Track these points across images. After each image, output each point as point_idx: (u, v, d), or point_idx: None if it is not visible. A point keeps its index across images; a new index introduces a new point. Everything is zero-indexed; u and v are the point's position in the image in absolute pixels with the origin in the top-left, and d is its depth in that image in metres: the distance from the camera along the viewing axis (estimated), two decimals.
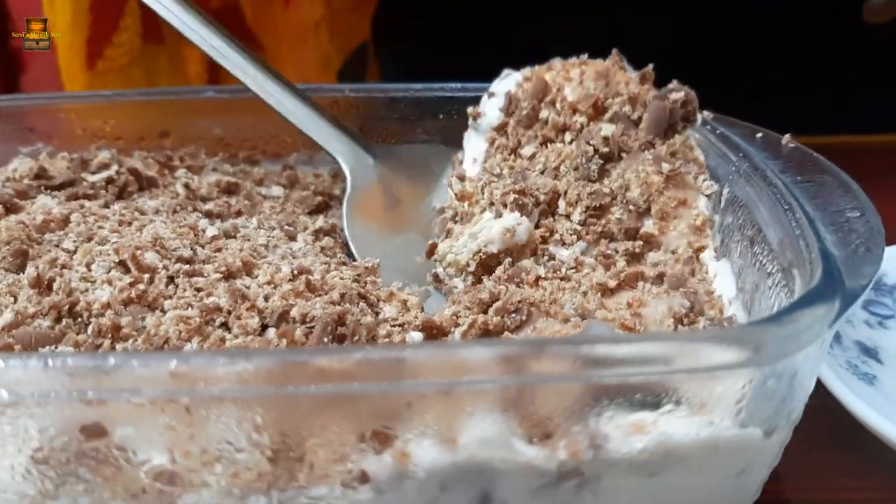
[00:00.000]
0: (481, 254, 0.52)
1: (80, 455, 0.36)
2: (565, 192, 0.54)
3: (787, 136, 0.55)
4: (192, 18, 0.61)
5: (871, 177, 0.52)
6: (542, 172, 0.56)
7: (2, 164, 0.64)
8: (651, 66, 0.58)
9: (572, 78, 0.58)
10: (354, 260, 0.58)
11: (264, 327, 0.45)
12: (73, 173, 0.61)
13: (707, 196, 0.54)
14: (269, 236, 0.56)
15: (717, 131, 0.57)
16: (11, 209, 0.56)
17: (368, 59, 1.07)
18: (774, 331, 0.36)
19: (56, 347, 0.43)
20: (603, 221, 0.53)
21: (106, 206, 0.59)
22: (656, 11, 0.99)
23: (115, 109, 0.69)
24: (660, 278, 0.49)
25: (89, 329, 0.44)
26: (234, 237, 0.55)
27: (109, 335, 0.44)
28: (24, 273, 0.48)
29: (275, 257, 0.53)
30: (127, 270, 0.48)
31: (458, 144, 0.64)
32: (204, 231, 0.55)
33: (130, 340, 0.43)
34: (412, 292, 0.51)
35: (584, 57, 0.60)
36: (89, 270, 0.48)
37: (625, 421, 0.38)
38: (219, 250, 0.52)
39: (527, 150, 0.58)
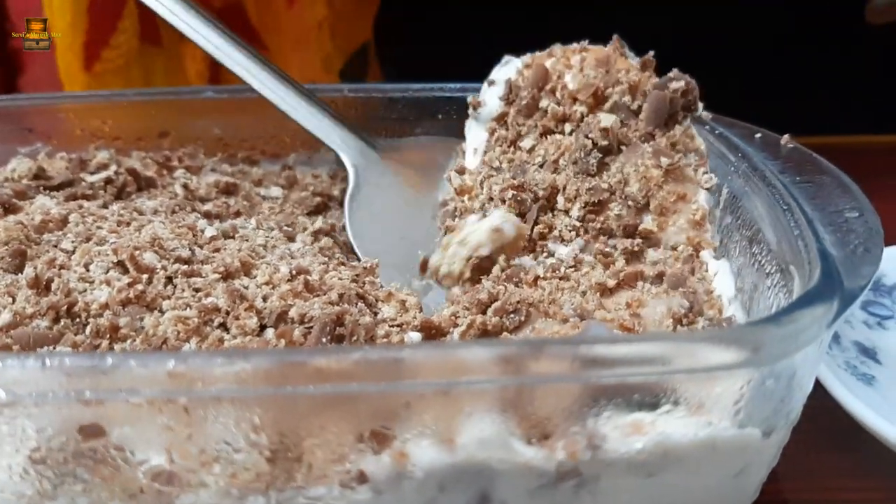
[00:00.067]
0: (474, 259, 0.52)
1: (78, 455, 0.36)
2: (564, 188, 0.54)
3: (786, 136, 0.55)
4: (194, 18, 0.61)
5: (870, 177, 0.52)
6: (541, 166, 0.56)
7: (0, 164, 0.64)
8: (652, 52, 0.58)
9: (573, 65, 0.58)
10: (356, 257, 0.58)
11: (263, 328, 0.45)
12: (71, 173, 0.61)
13: (707, 189, 0.54)
14: (267, 237, 0.56)
15: (716, 131, 0.57)
16: (10, 209, 0.56)
17: (370, 60, 1.07)
18: (773, 331, 0.36)
19: (54, 348, 0.43)
20: (602, 218, 0.53)
21: (104, 206, 0.59)
22: (656, 11, 0.99)
23: (113, 109, 0.69)
24: (659, 278, 0.49)
25: (87, 329, 0.44)
26: (233, 238, 0.55)
27: (108, 335, 0.43)
28: (22, 273, 0.48)
29: (273, 258, 0.53)
30: (125, 271, 0.48)
31: (462, 138, 0.63)
32: (202, 231, 0.54)
33: (129, 341, 0.43)
34: (411, 291, 0.51)
35: (585, 43, 0.60)
36: (87, 271, 0.48)
37: (623, 421, 0.38)
38: (217, 251, 0.52)
39: (526, 143, 0.58)
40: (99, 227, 0.53)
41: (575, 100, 0.57)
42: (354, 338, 0.44)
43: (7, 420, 0.36)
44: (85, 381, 0.34)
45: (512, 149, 0.59)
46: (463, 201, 0.57)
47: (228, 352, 0.41)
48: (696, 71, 0.57)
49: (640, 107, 0.56)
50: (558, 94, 0.58)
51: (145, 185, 0.63)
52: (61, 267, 0.48)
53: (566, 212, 0.54)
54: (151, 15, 0.61)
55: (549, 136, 0.57)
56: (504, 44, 0.62)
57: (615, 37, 0.59)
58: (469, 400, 0.37)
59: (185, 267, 0.48)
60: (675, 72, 0.56)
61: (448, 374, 0.36)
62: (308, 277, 0.49)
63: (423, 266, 0.55)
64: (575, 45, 0.60)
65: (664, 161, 0.53)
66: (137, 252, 0.48)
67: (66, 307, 0.45)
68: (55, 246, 0.51)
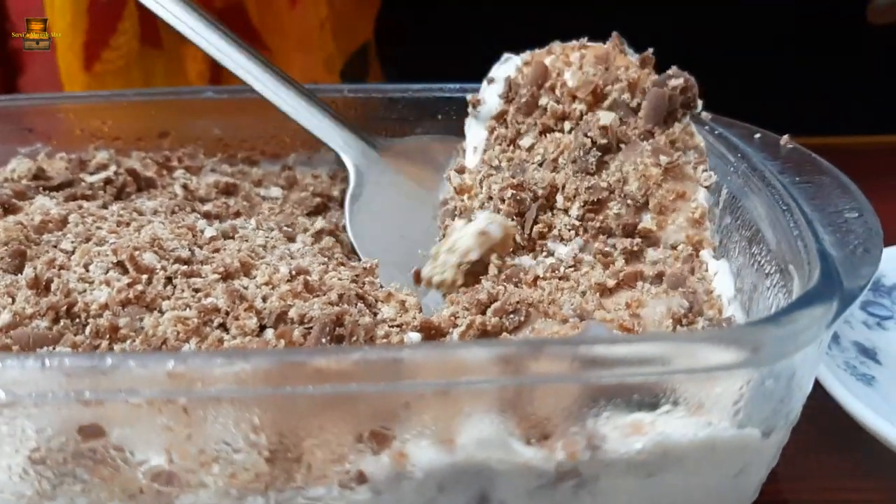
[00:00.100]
0: (465, 265, 0.51)
1: (78, 455, 0.36)
2: (563, 187, 0.54)
3: (786, 136, 0.55)
4: (194, 20, 0.61)
5: (869, 178, 0.52)
6: (540, 164, 0.56)
7: (0, 164, 0.64)
8: (651, 49, 0.58)
9: (572, 62, 0.58)
10: (357, 257, 0.58)
11: (262, 328, 0.45)
12: (71, 174, 0.61)
13: (706, 187, 0.54)
14: (267, 237, 0.56)
15: (716, 132, 0.57)
16: (9, 210, 0.56)
17: (370, 60, 1.07)
18: (772, 331, 0.36)
19: (54, 348, 0.43)
20: (601, 217, 0.53)
21: (104, 206, 0.59)
22: (656, 11, 0.99)
23: (113, 110, 0.69)
24: (659, 277, 0.49)
25: (87, 330, 0.44)
26: (233, 238, 0.55)
27: (107, 336, 0.43)
28: (21, 274, 0.48)
29: (273, 258, 0.53)
30: (125, 271, 0.48)
31: (462, 137, 0.63)
32: (202, 232, 0.55)
33: (128, 341, 0.43)
34: (411, 292, 0.51)
35: (584, 40, 0.60)
36: (87, 271, 0.48)
37: (622, 421, 0.38)
38: (217, 251, 0.52)
39: (525, 141, 0.58)
40: (99, 228, 0.53)
41: (574, 97, 0.57)
42: (354, 338, 0.44)
43: (7, 420, 0.36)
44: (84, 382, 0.34)
45: (511, 147, 0.59)
46: (462, 200, 0.57)
47: (228, 352, 0.41)
48: (696, 71, 0.57)
49: (639, 104, 0.56)
50: (558, 92, 0.58)
51: (145, 185, 0.63)
52: (61, 267, 0.48)
53: (565, 211, 0.54)
54: (152, 17, 0.61)
55: (548, 135, 0.57)
56: (504, 43, 0.62)
57: (614, 34, 0.59)
58: (468, 400, 0.37)
59: (184, 267, 0.48)
60: (674, 69, 0.56)
61: (447, 375, 0.36)
62: (308, 278, 0.49)
63: (417, 277, 0.54)
64: (574, 43, 0.60)
65: (663, 159, 0.53)
66: (137, 252, 0.48)
67: (65, 307, 0.45)
68: (55, 246, 0.51)
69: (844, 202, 0.48)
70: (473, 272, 0.51)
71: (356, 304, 0.48)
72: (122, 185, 0.61)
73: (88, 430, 0.36)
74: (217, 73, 0.91)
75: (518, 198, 0.53)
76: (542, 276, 0.50)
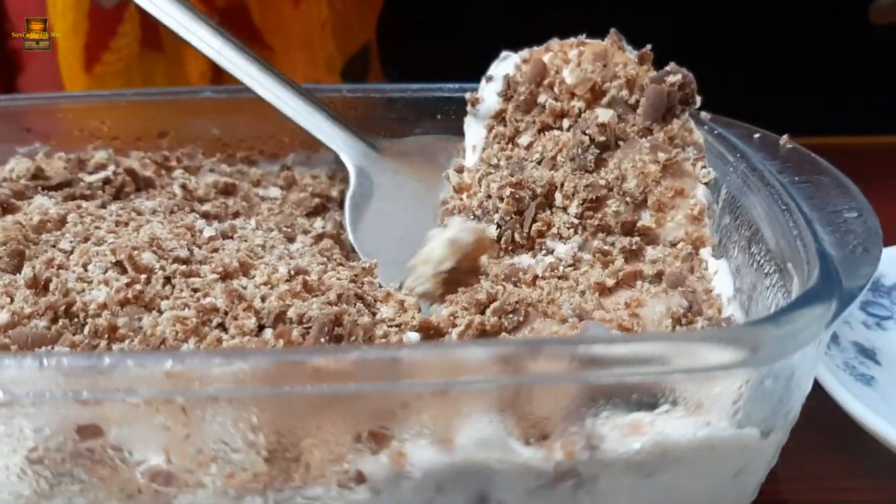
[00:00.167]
0: (441, 274, 0.51)
1: (76, 455, 0.36)
2: (562, 185, 0.54)
3: (785, 136, 0.55)
4: (193, 23, 0.61)
5: (869, 178, 0.52)
6: (539, 163, 0.56)
7: None
8: (649, 46, 0.57)
9: (570, 59, 0.58)
10: (357, 258, 0.58)
11: (261, 328, 0.45)
12: (69, 174, 0.61)
13: (705, 184, 0.54)
14: (266, 237, 0.56)
15: (715, 132, 0.57)
16: (8, 209, 0.56)
17: (371, 60, 1.08)
18: (771, 331, 0.36)
19: (52, 348, 0.43)
20: (599, 215, 0.53)
21: (103, 206, 0.58)
22: (656, 11, 0.99)
23: (112, 109, 0.69)
24: (658, 277, 0.49)
25: (86, 329, 0.44)
26: (232, 238, 0.55)
27: (106, 336, 0.43)
28: (20, 273, 0.48)
29: (272, 258, 0.53)
30: (124, 271, 0.47)
31: (462, 137, 0.63)
32: (201, 232, 0.54)
33: (127, 341, 0.43)
34: (410, 292, 0.51)
35: (583, 37, 0.59)
36: (86, 271, 0.48)
37: (621, 421, 0.37)
38: (216, 251, 0.52)
39: (524, 140, 0.58)
40: (97, 228, 0.53)
41: (573, 95, 0.57)
42: (353, 338, 0.44)
43: (4, 420, 0.36)
44: (82, 381, 0.34)
45: (510, 145, 0.59)
46: (461, 199, 0.57)
47: (226, 352, 0.41)
48: (696, 71, 0.57)
49: (637, 101, 0.56)
50: (556, 90, 0.57)
51: (144, 185, 0.63)
52: (59, 267, 0.48)
53: (564, 209, 0.54)
54: (153, 20, 0.61)
55: (547, 132, 0.57)
56: (505, 43, 0.62)
57: (613, 31, 0.59)
58: (467, 400, 0.37)
59: (183, 267, 0.48)
60: (672, 65, 0.56)
61: (446, 374, 0.36)
62: (306, 278, 0.49)
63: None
64: (572, 40, 0.59)
65: (661, 156, 0.53)
66: (136, 252, 0.48)
67: (64, 307, 0.45)
68: (53, 246, 0.51)
69: (844, 202, 0.48)
70: (452, 280, 0.51)
71: (355, 304, 0.48)
72: (120, 184, 0.61)
73: (86, 429, 0.36)
74: (218, 72, 0.91)
75: (517, 196, 0.53)
76: (541, 275, 0.50)
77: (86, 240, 0.51)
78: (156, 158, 0.67)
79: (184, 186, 0.63)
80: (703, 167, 0.54)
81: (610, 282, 0.49)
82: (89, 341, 0.43)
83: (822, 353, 0.47)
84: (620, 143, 0.55)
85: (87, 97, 0.74)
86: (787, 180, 0.50)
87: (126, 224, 0.54)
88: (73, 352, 0.42)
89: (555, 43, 0.60)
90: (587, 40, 0.59)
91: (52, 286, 0.46)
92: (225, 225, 0.57)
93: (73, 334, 0.44)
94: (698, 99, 0.56)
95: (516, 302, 0.46)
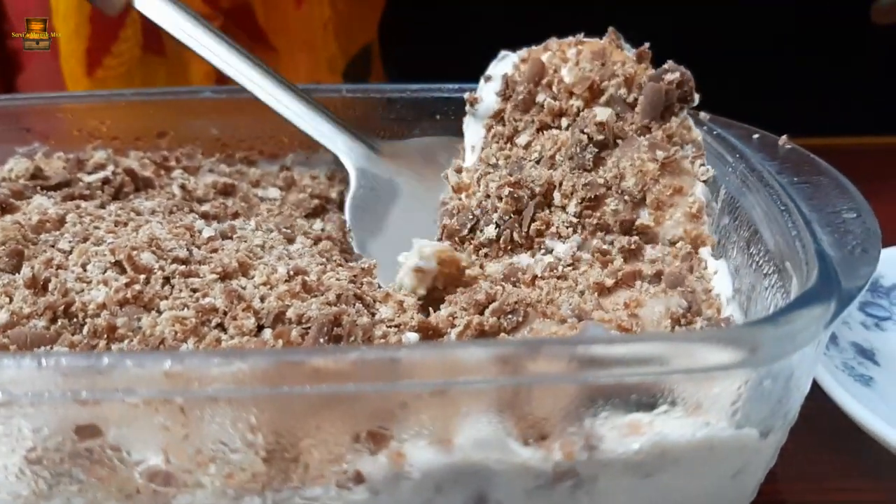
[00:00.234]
0: (419, 296, 0.50)
1: (74, 455, 0.36)
2: (560, 184, 0.54)
3: (784, 137, 0.55)
4: (193, 27, 0.61)
5: (868, 178, 0.52)
6: (537, 162, 0.56)
7: None
8: (647, 44, 0.57)
9: (569, 58, 0.58)
10: (357, 259, 0.58)
11: (260, 328, 0.45)
12: (69, 173, 0.61)
13: (703, 181, 0.54)
14: (265, 238, 0.56)
15: (714, 132, 0.57)
16: (7, 209, 0.56)
17: (373, 60, 1.08)
18: (770, 331, 0.36)
19: (51, 348, 0.43)
20: (598, 213, 0.53)
21: (102, 206, 0.58)
22: (656, 11, 0.99)
23: (111, 110, 0.69)
24: (657, 277, 0.49)
25: (85, 329, 0.44)
26: (231, 238, 0.55)
27: (105, 336, 0.43)
28: (19, 273, 0.48)
29: (271, 258, 0.53)
30: (123, 271, 0.47)
31: (462, 137, 0.63)
32: (200, 232, 0.54)
33: (126, 341, 0.43)
34: (409, 292, 0.51)
35: (581, 36, 0.59)
36: (85, 271, 0.48)
37: (620, 421, 0.37)
38: (215, 251, 0.52)
39: (522, 139, 0.58)
40: (96, 228, 0.53)
41: (571, 94, 0.57)
42: (352, 338, 0.44)
43: (3, 420, 0.36)
44: (81, 381, 0.34)
45: (508, 145, 0.59)
46: (460, 199, 0.57)
47: (225, 352, 0.41)
48: (696, 71, 0.57)
49: (636, 99, 0.56)
50: (555, 89, 0.57)
51: (143, 185, 0.63)
52: (58, 267, 0.48)
53: (563, 208, 0.53)
54: (155, 25, 0.61)
55: (545, 132, 0.57)
56: (506, 43, 0.62)
57: (611, 29, 0.58)
58: (466, 400, 0.37)
59: (182, 267, 0.48)
60: (670, 63, 0.56)
61: (445, 375, 0.36)
62: (306, 278, 0.49)
63: None
64: (571, 39, 0.59)
65: (660, 154, 0.53)
66: (135, 252, 0.48)
67: (63, 307, 0.45)
68: (52, 246, 0.51)
69: (843, 202, 0.48)
70: (434, 298, 0.50)
71: (354, 305, 0.47)
72: (119, 184, 0.61)
73: (85, 429, 0.36)
74: (221, 76, 0.91)
75: (515, 195, 0.53)
76: (540, 275, 0.50)
77: (85, 240, 0.51)
78: (155, 158, 0.67)
79: (183, 187, 0.63)
80: (702, 165, 0.54)
81: (609, 282, 0.49)
82: (88, 341, 0.43)
83: (820, 353, 0.47)
84: (619, 141, 0.55)
85: (87, 97, 0.75)
86: (786, 181, 0.50)
87: (125, 224, 0.54)
88: (72, 352, 0.42)
89: (553, 42, 0.60)
90: (585, 39, 0.59)
91: (50, 286, 0.46)
92: (224, 225, 0.57)
93: (72, 334, 0.44)
94: (696, 97, 0.56)
95: (515, 302, 0.46)
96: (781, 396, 0.40)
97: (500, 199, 0.53)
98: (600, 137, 0.54)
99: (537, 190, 0.54)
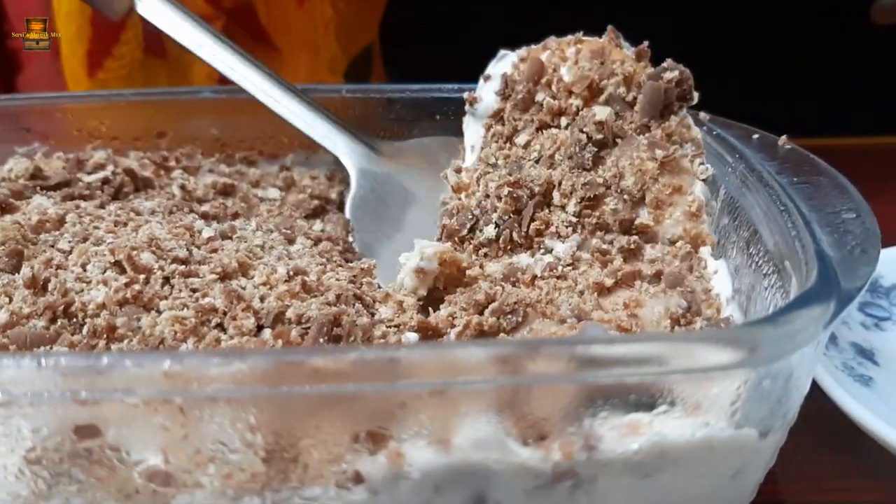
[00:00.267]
0: (419, 297, 0.50)
1: (74, 455, 0.36)
2: (559, 183, 0.54)
3: (784, 137, 0.55)
4: (194, 29, 0.61)
5: (868, 179, 0.52)
6: (537, 161, 0.56)
7: None
8: (646, 43, 0.57)
9: (568, 57, 0.58)
10: (357, 260, 0.58)
11: (260, 328, 0.45)
12: (68, 173, 0.61)
13: (703, 180, 0.54)
14: (265, 238, 0.56)
15: (714, 132, 0.57)
16: (7, 209, 0.56)
17: (374, 61, 1.08)
18: (770, 331, 0.36)
19: (51, 348, 0.43)
20: (597, 213, 0.53)
21: (101, 206, 0.58)
22: (656, 11, 0.99)
23: (111, 110, 0.69)
24: (657, 276, 0.49)
25: (84, 329, 0.44)
26: (231, 238, 0.55)
27: (104, 336, 0.43)
28: (19, 273, 0.48)
29: (271, 258, 0.53)
30: (122, 271, 0.48)
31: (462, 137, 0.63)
32: (200, 232, 0.54)
33: (126, 341, 0.43)
34: (409, 293, 0.51)
35: (580, 34, 0.59)
36: (84, 271, 0.48)
37: (619, 422, 0.37)
38: (215, 251, 0.52)
39: (521, 139, 0.58)
40: (96, 228, 0.53)
41: (570, 93, 0.57)
42: (351, 338, 0.44)
43: (2, 420, 0.36)
44: (81, 381, 0.34)
45: (508, 144, 0.58)
46: (460, 199, 0.57)
47: (224, 352, 0.41)
48: (696, 71, 0.57)
49: (635, 98, 0.56)
50: (554, 88, 0.57)
51: (142, 185, 0.63)
52: (58, 267, 0.48)
53: (562, 207, 0.53)
54: (156, 29, 0.61)
55: (545, 131, 0.57)
56: (508, 43, 0.62)
57: (610, 28, 0.58)
58: (465, 400, 0.37)
59: (182, 267, 0.48)
60: (668, 62, 0.56)
61: (444, 375, 0.36)
62: (305, 278, 0.49)
63: None
64: (570, 38, 0.59)
65: (659, 153, 0.53)
66: (135, 252, 0.48)
67: (62, 307, 0.45)
68: (52, 246, 0.51)
69: (842, 203, 0.48)
70: (435, 299, 0.50)
71: (354, 305, 0.48)
72: (119, 185, 0.61)
73: (84, 429, 0.36)
74: (224, 79, 0.91)
75: (515, 195, 0.53)
76: (539, 275, 0.50)
77: (84, 240, 0.51)
78: (154, 159, 0.67)
79: (183, 187, 0.63)
80: (701, 163, 0.54)
81: (609, 282, 0.49)
82: (88, 341, 0.43)
83: (820, 353, 0.47)
84: (618, 140, 0.55)
85: (86, 97, 0.75)
86: (785, 181, 0.50)
87: (125, 224, 0.54)
88: (72, 352, 0.42)
89: (552, 41, 0.60)
90: (584, 38, 0.59)
91: (50, 286, 0.46)
92: (224, 226, 0.57)
93: (72, 334, 0.44)
94: (696, 95, 0.56)
95: (515, 302, 0.46)
96: (781, 396, 0.40)
97: (500, 198, 0.53)
98: (599, 136, 0.54)
99: (536, 189, 0.54)
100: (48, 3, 0.86)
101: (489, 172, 0.56)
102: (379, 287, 0.52)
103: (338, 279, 0.50)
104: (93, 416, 0.36)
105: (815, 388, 0.50)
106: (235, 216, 0.61)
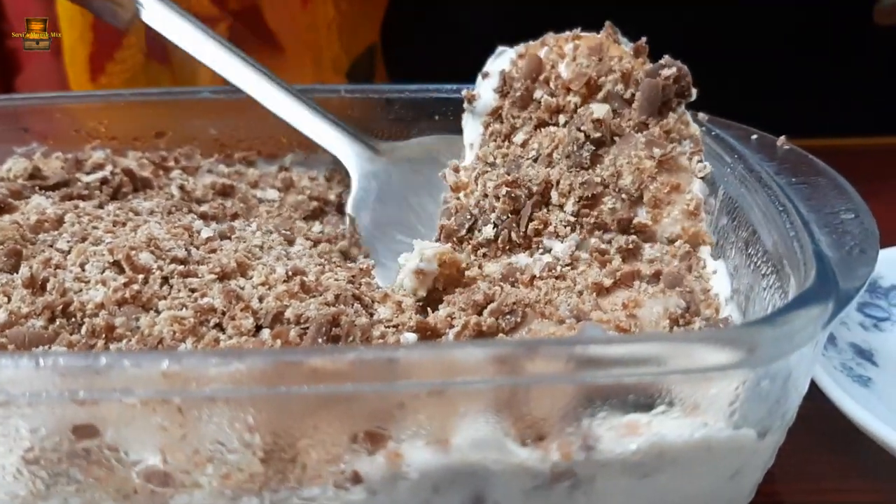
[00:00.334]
0: (418, 302, 0.50)
1: (72, 455, 0.36)
2: (557, 182, 0.54)
3: (783, 137, 0.55)
4: (195, 32, 0.61)
5: (866, 179, 0.52)
6: (535, 160, 0.56)
7: None
8: (644, 38, 0.57)
9: (566, 53, 0.57)
10: (357, 261, 0.58)
11: (258, 328, 0.45)
12: (67, 173, 0.61)
13: (701, 178, 0.54)
14: (264, 239, 0.56)
15: (713, 133, 0.57)
16: (5, 209, 0.56)
17: (376, 61, 1.08)
18: (768, 332, 0.36)
19: (49, 347, 0.43)
20: (595, 212, 0.53)
21: (100, 206, 0.58)
22: (656, 11, 0.99)
23: (110, 110, 0.69)
24: (656, 276, 0.49)
25: (83, 329, 0.44)
26: (229, 238, 0.55)
27: (103, 335, 0.43)
28: (17, 273, 0.48)
29: (270, 259, 0.53)
30: (121, 271, 0.48)
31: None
32: (199, 232, 0.54)
33: (124, 341, 0.43)
34: (408, 293, 0.51)
35: (578, 30, 0.59)
36: (83, 271, 0.48)
37: (618, 422, 0.37)
38: (213, 251, 0.52)
39: (519, 137, 0.58)
40: (95, 228, 0.53)
41: (568, 90, 0.56)
42: (350, 338, 0.44)
43: (1, 420, 0.36)
44: (79, 381, 0.34)
45: (506, 143, 0.58)
46: (458, 198, 0.57)
47: (223, 352, 0.41)
48: (696, 71, 0.57)
49: (633, 95, 0.55)
50: (552, 85, 0.57)
51: (141, 185, 0.63)
52: (57, 267, 0.48)
53: (560, 207, 0.53)
54: (160, 35, 0.61)
55: (543, 129, 0.57)
56: (509, 43, 0.62)
57: (608, 23, 0.58)
58: (464, 401, 0.37)
59: (181, 267, 0.48)
60: (666, 58, 0.56)
61: (443, 375, 0.36)
62: (304, 278, 0.49)
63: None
64: (568, 33, 0.59)
65: (657, 152, 0.53)
66: (133, 252, 0.48)
67: (61, 307, 0.45)
68: (51, 246, 0.51)
69: (841, 203, 0.48)
70: (434, 299, 0.50)
71: (352, 305, 0.48)
72: (118, 185, 0.61)
73: (83, 429, 0.36)
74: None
75: (513, 195, 0.53)
76: (538, 275, 0.50)
77: (83, 240, 0.51)
78: (153, 159, 0.67)
79: (181, 187, 0.63)
80: (700, 161, 0.54)
81: (607, 282, 0.49)
82: (86, 341, 0.43)
83: (818, 354, 0.47)
84: (616, 138, 0.55)
85: (85, 97, 0.75)
86: (784, 181, 0.50)
87: (124, 224, 0.54)
88: (70, 352, 0.42)
89: (550, 37, 0.59)
90: (582, 33, 0.59)
91: (49, 286, 0.46)
92: (223, 226, 0.57)
93: (70, 334, 0.44)
94: (694, 91, 0.56)
95: (513, 303, 0.46)
96: (779, 397, 0.40)
97: (498, 198, 0.53)
98: (597, 135, 0.54)
99: (535, 189, 0.54)
100: (48, 3, 0.86)
101: (487, 171, 0.56)
102: (378, 287, 0.52)
103: (336, 279, 0.50)
104: (91, 416, 0.36)
105: (814, 388, 0.50)
106: (234, 217, 0.61)
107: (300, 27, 0.95)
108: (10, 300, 0.45)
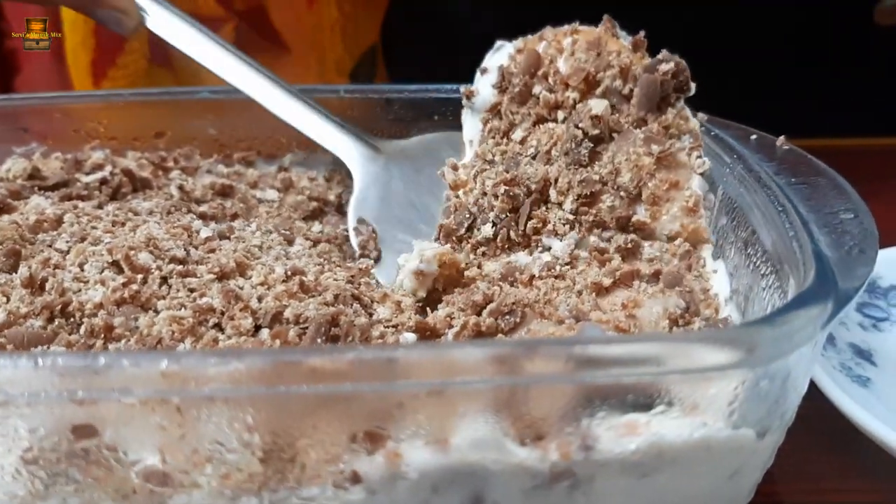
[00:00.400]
0: (418, 303, 0.50)
1: (71, 455, 0.36)
2: (556, 180, 0.53)
3: (782, 138, 0.55)
4: (195, 35, 0.61)
5: (865, 179, 0.52)
6: (533, 157, 0.56)
7: None
8: (643, 32, 0.57)
9: (564, 48, 0.57)
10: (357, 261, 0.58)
11: (258, 328, 0.45)
12: (66, 174, 0.61)
13: (700, 174, 0.54)
14: (264, 239, 0.56)
15: (712, 133, 0.57)
16: (4, 209, 0.56)
17: (378, 62, 1.08)
18: (767, 332, 0.36)
19: (48, 347, 0.43)
20: (594, 210, 0.53)
21: (99, 206, 0.58)
22: (655, 11, 0.98)
23: (109, 110, 0.69)
24: (655, 276, 0.49)
25: (82, 329, 0.44)
26: (229, 238, 0.55)
27: (102, 335, 0.43)
28: (16, 273, 0.48)
29: (269, 259, 0.53)
30: (120, 271, 0.48)
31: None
32: (198, 232, 0.54)
33: (123, 341, 0.43)
34: (407, 293, 0.51)
35: (576, 24, 0.59)
36: (82, 271, 0.48)
37: (617, 422, 0.37)
38: (212, 251, 0.52)
39: (518, 134, 0.57)
40: (94, 228, 0.53)
41: (567, 85, 0.56)
42: (349, 338, 0.44)
43: None
44: (78, 381, 0.34)
45: (505, 140, 0.58)
46: (458, 196, 0.57)
47: (222, 351, 0.41)
48: (696, 71, 0.56)
49: (631, 91, 0.55)
50: (551, 80, 0.57)
51: (140, 186, 0.63)
52: (56, 267, 0.48)
53: (559, 205, 0.53)
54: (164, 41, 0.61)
55: (541, 125, 0.57)
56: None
57: (606, 17, 0.58)
58: (463, 400, 0.37)
59: (180, 267, 0.48)
60: (664, 53, 0.55)
61: (442, 375, 0.36)
62: (303, 278, 0.49)
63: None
64: (566, 28, 0.59)
65: (655, 149, 0.53)
66: (132, 252, 0.48)
67: (60, 307, 0.45)
68: (50, 246, 0.51)
69: (840, 203, 0.48)
70: (433, 299, 0.50)
71: (352, 305, 0.48)
72: (117, 185, 0.61)
73: (82, 429, 0.36)
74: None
75: (511, 194, 0.53)
76: (537, 275, 0.50)
77: (82, 240, 0.51)
78: (153, 159, 0.67)
79: (181, 188, 0.63)
80: (699, 157, 0.54)
81: (607, 282, 0.49)
82: (85, 341, 0.43)
83: (818, 354, 0.47)
84: (615, 135, 0.54)
85: (84, 97, 0.75)
86: (783, 181, 0.50)
87: (123, 224, 0.54)
88: (69, 351, 0.42)
89: (548, 31, 0.59)
90: (581, 28, 0.58)
91: (48, 286, 0.46)
92: (222, 226, 0.57)
93: (69, 334, 0.44)
94: (693, 86, 0.56)
95: (513, 303, 0.46)
96: (778, 397, 0.40)
97: (497, 197, 0.53)
98: (595, 132, 0.53)
99: (533, 187, 0.53)
100: (51, 9, 0.86)
101: (486, 169, 0.56)
102: (378, 286, 0.52)
103: (336, 279, 0.50)
104: (90, 416, 0.36)
105: (813, 388, 0.50)
106: (234, 217, 0.61)
107: (306, 27, 0.95)
108: (8, 300, 0.45)
